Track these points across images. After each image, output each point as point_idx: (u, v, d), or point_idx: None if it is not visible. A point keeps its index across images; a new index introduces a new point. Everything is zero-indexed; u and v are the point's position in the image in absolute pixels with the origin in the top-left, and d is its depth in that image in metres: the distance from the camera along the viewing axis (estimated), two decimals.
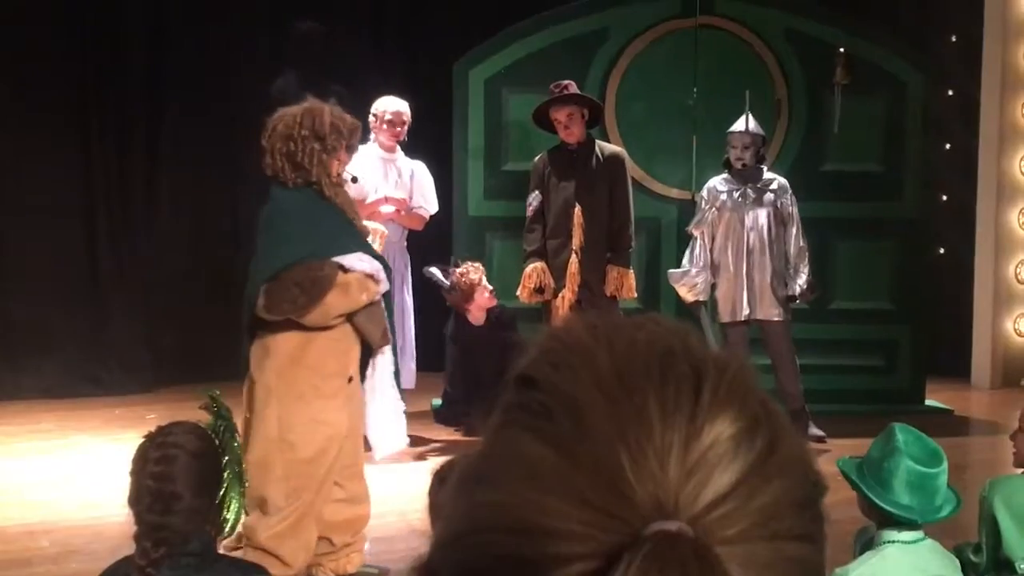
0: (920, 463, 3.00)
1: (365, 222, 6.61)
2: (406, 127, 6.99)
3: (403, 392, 5.14)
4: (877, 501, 2.98)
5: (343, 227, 4.65)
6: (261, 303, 4.46)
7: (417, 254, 8.65)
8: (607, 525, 0.64)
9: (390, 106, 6.96)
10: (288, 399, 4.49)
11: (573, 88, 6.90)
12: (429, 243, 8.44)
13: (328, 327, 4.52)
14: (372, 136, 6.96)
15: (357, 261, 4.59)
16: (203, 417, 2.99)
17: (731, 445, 0.66)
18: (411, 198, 7.04)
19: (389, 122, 6.93)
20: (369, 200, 6.84)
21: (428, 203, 7.07)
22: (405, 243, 7.13)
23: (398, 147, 7.03)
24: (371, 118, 6.95)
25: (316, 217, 4.59)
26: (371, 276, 4.59)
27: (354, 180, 5.17)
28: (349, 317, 4.56)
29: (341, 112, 4.78)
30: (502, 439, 0.69)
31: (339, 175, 4.69)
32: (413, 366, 7.03)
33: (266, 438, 4.48)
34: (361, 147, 6.90)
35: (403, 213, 6.99)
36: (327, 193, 4.63)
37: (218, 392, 3.01)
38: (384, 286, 4.66)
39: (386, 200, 6.91)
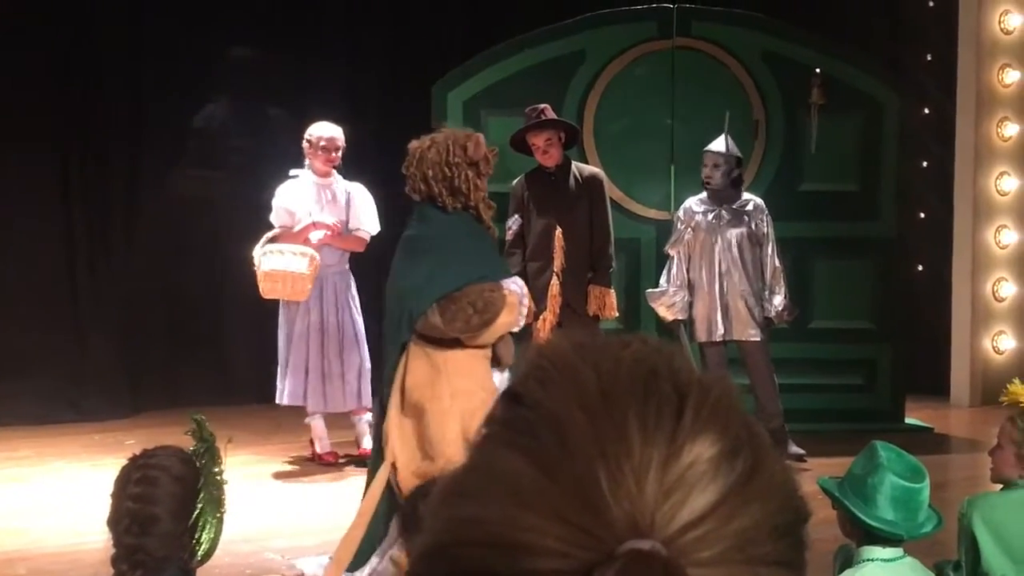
0: (904, 479, 3.01)
1: (293, 246, 6.64)
2: (340, 152, 6.92)
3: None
4: (862, 517, 2.99)
5: (497, 251, 4.87)
6: (436, 321, 4.56)
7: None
8: (582, 542, 0.64)
9: (324, 132, 6.90)
10: (467, 416, 4.53)
11: (549, 112, 6.90)
12: None
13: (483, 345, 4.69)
14: (307, 162, 6.93)
15: (513, 284, 4.77)
16: (189, 442, 2.98)
17: (710, 466, 0.66)
18: (348, 221, 6.99)
19: (323, 148, 6.86)
20: (299, 227, 6.80)
21: (366, 225, 7.02)
22: (347, 266, 7.03)
23: (334, 171, 6.97)
24: (305, 144, 6.92)
25: (479, 241, 4.77)
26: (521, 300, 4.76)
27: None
28: None
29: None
30: (485, 454, 0.70)
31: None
32: (368, 389, 6.99)
33: (452, 462, 4.52)
34: (296, 171, 6.92)
35: (336, 236, 6.89)
36: (483, 217, 4.80)
37: (202, 417, 2.99)
38: (526, 310, 4.82)
39: (315, 226, 6.84)
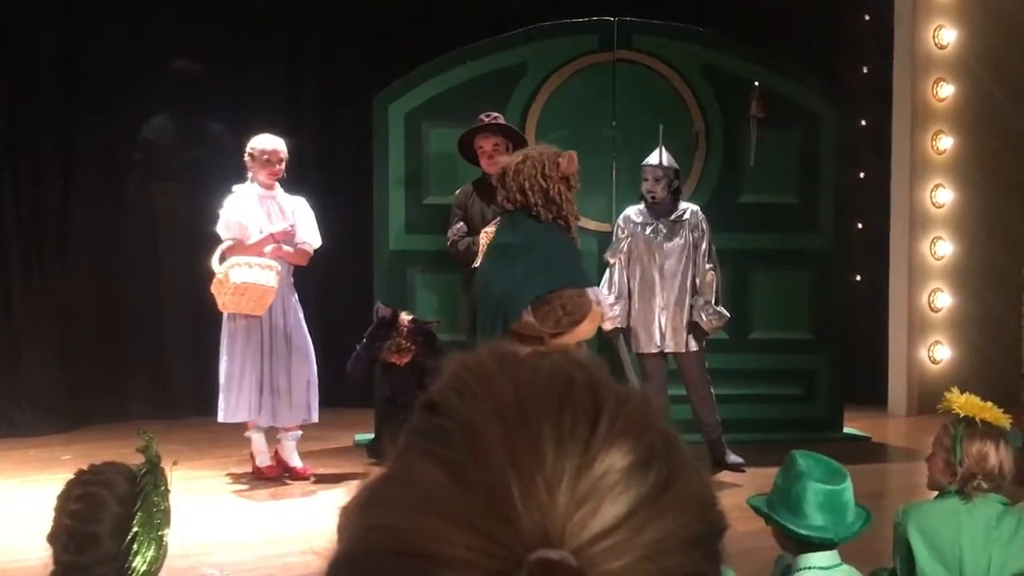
0: (826, 483, 3.06)
1: (258, 259, 6.59)
2: (283, 164, 6.86)
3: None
4: (792, 528, 3.02)
5: (580, 260, 5.31)
6: (530, 319, 4.96)
7: (336, 288, 8.63)
8: (492, 551, 0.64)
9: (266, 144, 6.83)
10: None
11: (502, 120, 6.97)
12: (350, 278, 8.42)
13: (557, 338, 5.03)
14: (250, 175, 6.88)
15: (599, 294, 5.23)
16: (136, 458, 2.92)
17: (622, 477, 0.66)
18: (294, 236, 6.93)
19: (266, 161, 6.80)
20: (251, 240, 6.74)
21: (311, 238, 6.98)
22: (292, 279, 6.96)
23: (277, 184, 6.92)
24: (247, 157, 6.87)
25: (567, 250, 5.24)
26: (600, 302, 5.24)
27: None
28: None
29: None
30: (402, 463, 0.70)
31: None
32: (315, 403, 6.92)
33: None
34: (238, 187, 6.87)
35: (286, 245, 6.81)
36: (571, 227, 5.26)
37: (151, 436, 2.93)
38: (610, 322, 5.24)
39: (272, 238, 6.73)
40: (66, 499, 2.71)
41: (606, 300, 5.29)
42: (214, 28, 8.63)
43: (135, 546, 2.69)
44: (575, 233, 5.39)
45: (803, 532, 3.01)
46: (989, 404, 3.48)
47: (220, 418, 6.88)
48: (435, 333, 6.92)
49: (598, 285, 5.45)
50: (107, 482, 2.71)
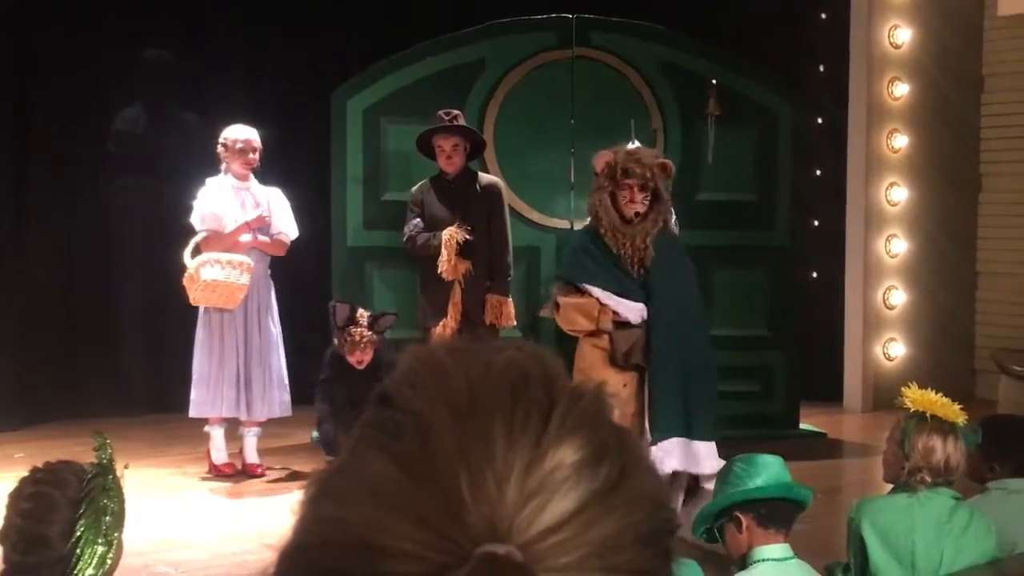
0: (761, 457, 3.12)
1: (230, 256, 6.52)
2: (258, 154, 6.84)
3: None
4: (737, 498, 3.04)
5: (596, 258, 5.68)
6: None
7: (295, 284, 8.59)
8: (439, 545, 0.63)
9: (240, 134, 6.80)
10: None
11: (462, 119, 6.94)
12: (308, 274, 8.38)
13: (595, 335, 5.67)
14: (223, 166, 6.84)
15: (597, 289, 5.64)
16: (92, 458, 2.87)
17: (573, 472, 0.66)
18: (270, 226, 6.91)
19: (240, 151, 6.76)
20: (227, 231, 6.72)
21: (287, 228, 6.96)
22: (268, 271, 6.94)
23: (251, 175, 6.89)
24: (220, 148, 6.82)
25: (578, 249, 5.80)
26: (603, 303, 5.62)
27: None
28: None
29: (627, 153, 5.78)
30: (354, 455, 0.70)
31: (629, 206, 5.65)
32: (287, 397, 6.90)
33: None
34: (211, 180, 6.83)
35: (262, 235, 6.80)
36: (600, 227, 5.69)
37: (105, 437, 2.87)
38: (624, 315, 5.65)
39: (248, 227, 6.74)
40: (17, 497, 2.67)
41: (607, 297, 5.66)
42: (170, 18, 8.54)
43: (78, 551, 2.64)
44: (606, 231, 5.72)
45: (745, 497, 3.03)
46: (944, 400, 3.50)
47: (192, 412, 6.80)
48: (384, 332, 6.69)
49: (581, 281, 5.83)
50: (60, 482, 2.67)
